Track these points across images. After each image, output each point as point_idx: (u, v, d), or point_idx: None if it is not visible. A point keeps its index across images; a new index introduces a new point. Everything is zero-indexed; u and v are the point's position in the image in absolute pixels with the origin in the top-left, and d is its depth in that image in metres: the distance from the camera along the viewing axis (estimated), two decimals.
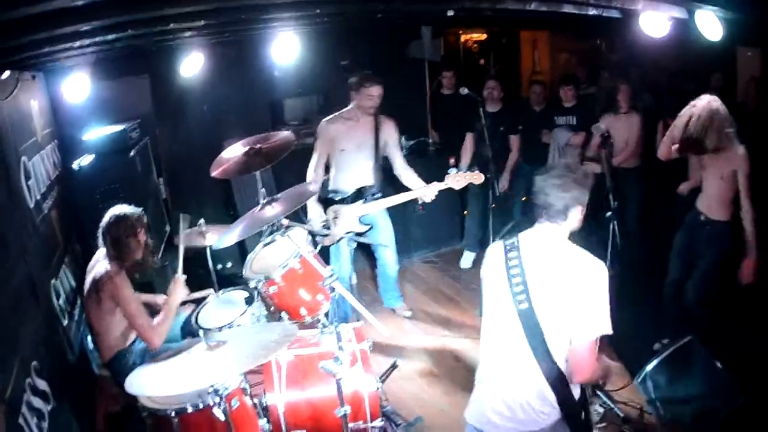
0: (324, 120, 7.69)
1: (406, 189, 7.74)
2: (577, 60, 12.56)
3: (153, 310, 5.84)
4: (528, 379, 4.01)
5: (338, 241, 7.48)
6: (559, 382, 3.98)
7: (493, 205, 8.50)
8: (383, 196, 7.78)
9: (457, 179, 7.42)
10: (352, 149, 7.59)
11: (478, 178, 7.44)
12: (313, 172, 7.46)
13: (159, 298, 6.05)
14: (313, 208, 7.38)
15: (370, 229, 7.65)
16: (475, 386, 4.43)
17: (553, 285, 3.91)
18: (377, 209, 7.75)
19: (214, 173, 5.87)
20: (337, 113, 7.70)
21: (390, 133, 7.86)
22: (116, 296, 5.18)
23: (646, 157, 8.72)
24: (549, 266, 3.96)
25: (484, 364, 4.34)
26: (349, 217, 7.54)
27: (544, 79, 12.26)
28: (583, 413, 4.21)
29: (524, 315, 3.94)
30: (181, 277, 5.57)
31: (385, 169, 8.05)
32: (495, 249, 4.29)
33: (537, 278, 3.96)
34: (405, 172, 7.93)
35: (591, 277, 3.86)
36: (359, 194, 7.63)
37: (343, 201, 7.59)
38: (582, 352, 3.90)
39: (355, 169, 7.65)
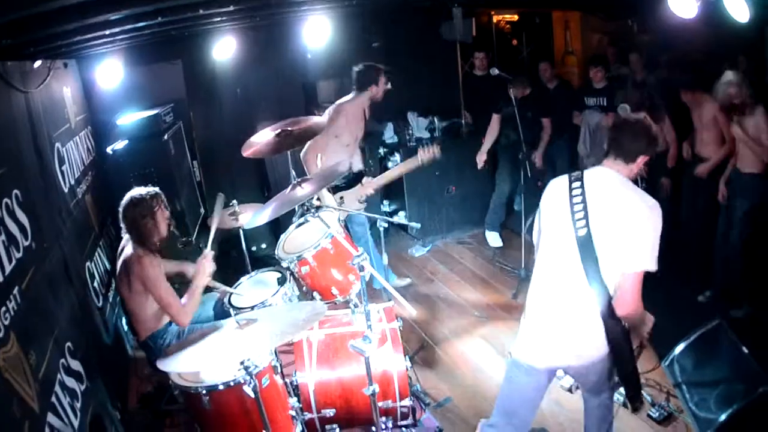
0: (332, 107, 7.75)
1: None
2: (609, 41, 12.44)
3: (184, 280, 5.91)
4: (580, 308, 4.19)
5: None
6: (608, 311, 4.14)
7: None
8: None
9: (425, 154, 7.57)
10: (351, 140, 7.72)
11: (436, 151, 7.59)
12: (313, 160, 7.44)
13: (188, 267, 6.06)
14: (328, 195, 7.41)
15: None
16: (522, 323, 4.58)
17: (611, 214, 4.09)
18: (375, 188, 7.81)
19: (246, 153, 5.91)
20: (339, 104, 7.75)
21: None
22: (143, 277, 5.22)
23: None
24: (610, 197, 4.15)
25: (537, 297, 4.49)
26: (353, 199, 7.66)
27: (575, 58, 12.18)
28: (627, 349, 4.32)
29: (582, 240, 4.12)
30: (209, 252, 5.61)
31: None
32: (559, 180, 4.48)
33: (598, 206, 4.14)
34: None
35: (647, 213, 4.05)
36: (358, 177, 7.70)
37: (346, 186, 7.69)
38: (627, 283, 4.06)
39: (347, 155, 7.72)
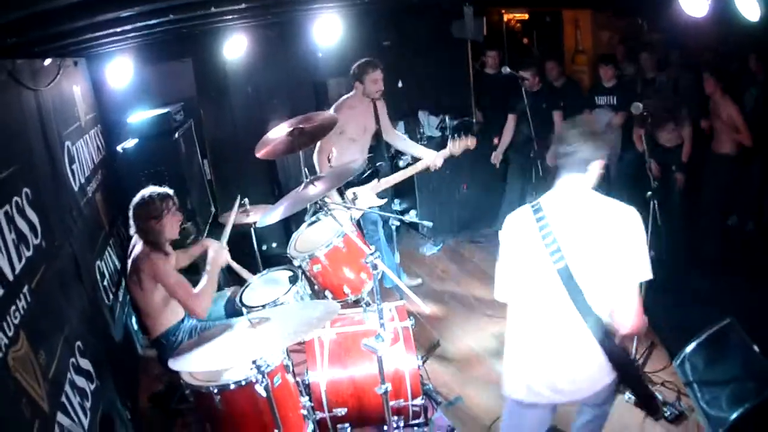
0: (335, 104, 7.75)
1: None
2: (619, 39, 12.42)
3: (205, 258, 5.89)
4: (576, 340, 4.00)
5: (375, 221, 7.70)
6: (606, 338, 3.97)
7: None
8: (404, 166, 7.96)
9: (457, 145, 7.73)
10: (359, 134, 7.70)
11: (471, 143, 7.79)
12: (325, 159, 7.44)
13: (204, 243, 6.05)
14: (334, 193, 7.40)
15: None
16: (508, 360, 4.36)
17: (585, 238, 3.87)
18: (392, 183, 7.85)
19: (259, 154, 5.88)
20: (340, 101, 7.74)
21: (384, 113, 7.98)
22: (154, 273, 5.21)
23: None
24: (578, 220, 3.93)
25: (526, 334, 4.23)
26: (369, 195, 7.65)
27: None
28: (634, 370, 4.26)
29: (562, 273, 3.91)
30: (224, 245, 5.63)
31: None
32: (522, 213, 4.20)
33: (568, 234, 3.92)
34: (405, 143, 8.24)
35: (623, 224, 3.84)
36: (373, 173, 7.68)
37: (359, 182, 7.69)
38: (626, 301, 3.89)
39: (361, 152, 7.75)
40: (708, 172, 8.52)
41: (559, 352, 4.07)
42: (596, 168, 3.95)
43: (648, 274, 3.85)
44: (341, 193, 7.49)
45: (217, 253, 5.63)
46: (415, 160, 8.03)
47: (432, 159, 7.75)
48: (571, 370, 4.07)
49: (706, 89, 8.17)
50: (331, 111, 7.52)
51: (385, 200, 7.83)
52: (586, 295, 3.88)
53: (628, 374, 4.19)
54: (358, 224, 6.98)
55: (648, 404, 4.63)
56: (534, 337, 4.18)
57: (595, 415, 4.62)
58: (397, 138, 8.22)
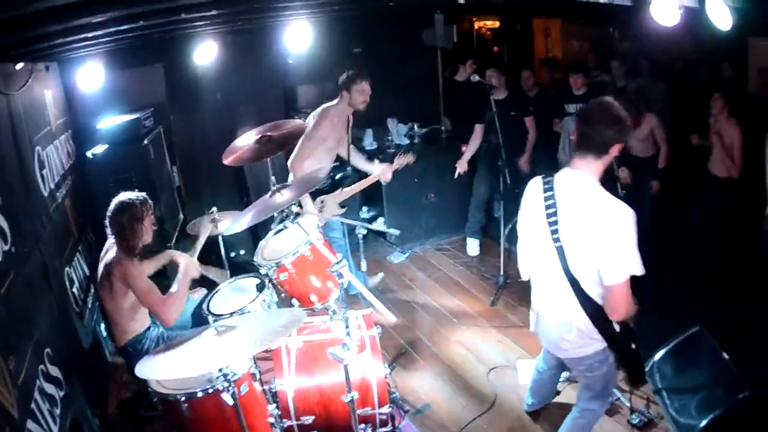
0: (317, 111, 7.71)
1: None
2: (589, 47, 12.52)
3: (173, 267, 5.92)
4: (570, 309, 4.32)
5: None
6: (596, 315, 4.25)
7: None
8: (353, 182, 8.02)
9: (400, 161, 8.14)
10: (334, 143, 7.70)
11: (411, 158, 8.37)
12: (301, 165, 7.45)
13: (170, 253, 6.08)
14: (310, 201, 7.43)
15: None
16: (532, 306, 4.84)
17: (581, 226, 4.11)
18: (353, 193, 7.92)
19: (227, 161, 5.89)
20: (323, 109, 7.70)
21: (350, 123, 8.02)
22: (126, 277, 5.21)
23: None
24: (579, 207, 4.14)
25: (535, 289, 4.71)
26: (334, 204, 7.71)
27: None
28: (628, 343, 4.51)
29: (558, 251, 4.20)
30: (194, 260, 5.66)
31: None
32: (534, 184, 4.49)
33: (568, 218, 4.17)
34: (358, 159, 8.30)
35: (617, 220, 4.00)
36: (340, 182, 7.75)
37: (328, 189, 7.79)
38: (616, 292, 4.09)
39: (331, 161, 7.76)
40: (700, 191, 8.57)
41: (553, 315, 4.52)
42: (615, 151, 4.14)
43: (637, 270, 4.04)
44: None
45: (188, 266, 5.64)
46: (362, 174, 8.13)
47: (380, 173, 7.93)
48: (561, 332, 4.51)
49: (713, 109, 8.13)
50: (314, 116, 7.56)
51: (345, 209, 7.88)
52: (577, 276, 4.18)
53: (615, 342, 4.43)
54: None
55: (632, 370, 4.78)
56: (538, 295, 4.66)
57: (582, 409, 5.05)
58: (353, 152, 8.26)
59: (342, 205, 7.77)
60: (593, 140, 4.10)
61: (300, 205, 7.08)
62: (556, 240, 4.20)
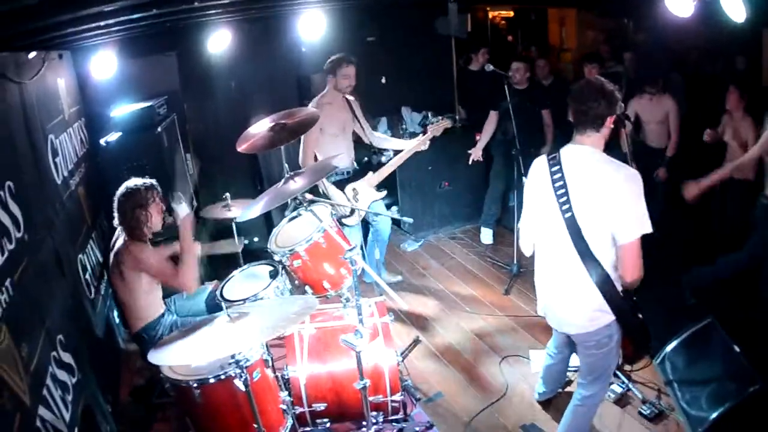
0: (313, 101, 7.76)
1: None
2: (604, 38, 12.45)
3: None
4: (578, 282, 4.40)
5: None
6: (607, 285, 4.34)
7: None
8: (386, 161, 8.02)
9: (436, 127, 7.97)
10: (338, 130, 7.74)
11: (448, 123, 8.16)
12: (308, 156, 7.55)
13: (176, 245, 6.08)
14: (336, 192, 7.45)
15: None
16: (537, 286, 4.94)
17: (591, 193, 4.23)
18: (389, 172, 7.93)
19: (241, 148, 5.88)
20: (316, 99, 7.77)
21: (358, 107, 8.06)
22: (136, 261, 5.26)
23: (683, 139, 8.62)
24: (587, 175, 4.28)
25: (541, 270, 4.80)
26: (368, 189, 7.73)
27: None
28: (635, 313, 4.58)
29: (569, 222, 4.30)
30: (184, 210, 5.67)
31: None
32: (539, 162, 4.61)
33: (577, 187, 4.29)
34: (380, 138, 8.35)
35: (625, 182, 4.16)
36: (367, 166, 7.73)
37: (355, 177, 7.80)
38: (629, 252, 4.21)
39: (344, 148, 7.78)
40: (725, 195, 7.92)
41: (561, 291, 4.61)
42: (609, 124, 4.33)
43: (647, 228, 4.17)
44: (342, 190, 7.55)
45: (184, 218, 5.62)
46: (396, 153, 8.06)
47: (417, 143, 7.89)
48: (569, 308, 4.60)
49: (728, 104, 7.60)
50: (311, 107, 7.52)
51: (385, 192, 7.94)
52: (589, 244, 4.27)
53: (623, 313, 4.50)
54: (339, 220, 6.99)
55: (638, 339, 4.88)
56: (544, 274, 4.75)
57: (584, 396, 5.05)
58: (378, 137, 8.30)
59: (379, 188, 7.83)
60: (588, 115, 4.30)
61: (324, 195, 7.15)
62: (567, 211, 4.30)
